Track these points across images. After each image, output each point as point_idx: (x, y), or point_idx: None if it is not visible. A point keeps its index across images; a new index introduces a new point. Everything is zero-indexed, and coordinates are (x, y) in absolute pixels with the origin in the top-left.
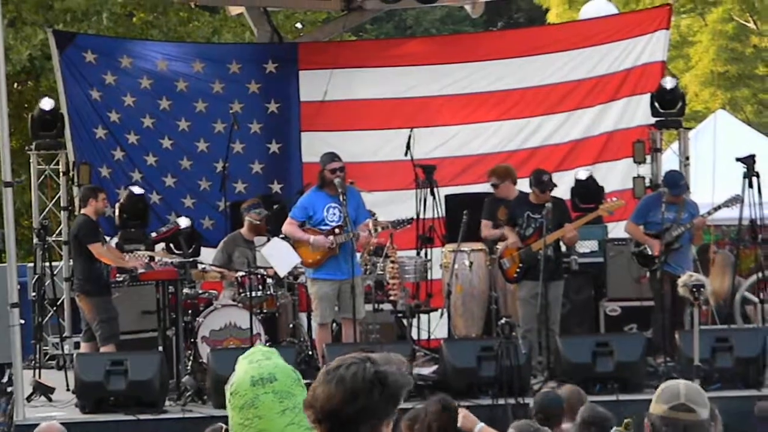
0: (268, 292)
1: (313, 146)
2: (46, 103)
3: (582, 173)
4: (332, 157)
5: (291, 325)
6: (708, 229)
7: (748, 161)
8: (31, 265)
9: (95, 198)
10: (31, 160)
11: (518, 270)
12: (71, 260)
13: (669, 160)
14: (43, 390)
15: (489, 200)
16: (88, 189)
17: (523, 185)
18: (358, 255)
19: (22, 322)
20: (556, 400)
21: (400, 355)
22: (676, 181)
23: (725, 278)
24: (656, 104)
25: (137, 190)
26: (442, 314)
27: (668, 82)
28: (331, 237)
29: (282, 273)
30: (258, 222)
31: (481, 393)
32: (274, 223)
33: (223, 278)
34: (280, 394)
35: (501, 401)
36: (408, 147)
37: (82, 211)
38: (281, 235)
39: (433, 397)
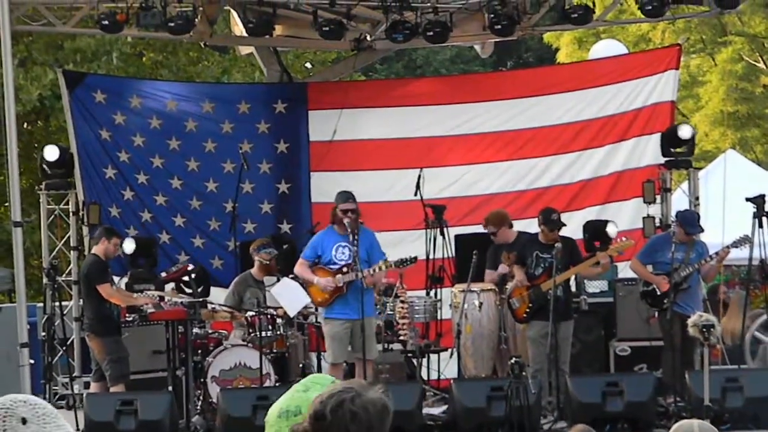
0: (278, 332)
1: (322, 186)
2: (51, 154)
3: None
4: (346, 197)
5: (301, 365)
6: (720, 268)
7: (758, 201)
8: (41, 304)
9: (108, 240)
10: (40, 200)
11: (528, 310)
12: (81, 300)
13: (679, 200)
14: None
15: (491, 249)
16: (106, 230)
17: (532, 225)
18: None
19: (32, 362)
20: None
21: (360, 380)
22: (694, 221)
23: (741, 318)
24: (666, 144)
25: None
26: (451, 354)
27: (685, 132)
28: (338, 276)
29: (292, 313)
30: (268, 262)
31: None
32: (284, 263)
33: (233, 318)
34: None
35: None
36: (417, 187)
37: (93, 250)
38: (291, 275)
39: None
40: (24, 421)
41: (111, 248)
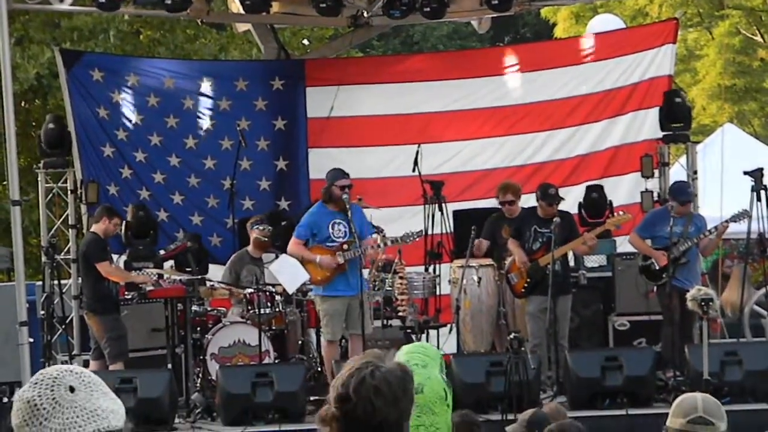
0: (277, 309)
1: (320, 163)
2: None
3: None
4: (342, 173)
5: (300, 342)
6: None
7: (756, 174)
8: (40, 283)
9: (109, 219)
10: (39, 179)
11: (526, 285)
12: (80, 278)
13: (677, 174)
14: None
15: (492, 219)
16: (106, 208)
17: (530, 200)
18: (366, 271)
19: (31, 340)
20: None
21: (375, 351)
22: (683, 189)
23: (742, 291)
24: (664, 118)
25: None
26: (450, 330)
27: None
28: (339, 253)
29: (291, 290)
30: (265, 239)
31: (490, 408)
32: (282, 240)
33: (231, 295)
34: (421, 408)
35: (510, 416)
36: (415, 163)
37: (93, 228)
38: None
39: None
40: (72, 389)
41: (111, 227)
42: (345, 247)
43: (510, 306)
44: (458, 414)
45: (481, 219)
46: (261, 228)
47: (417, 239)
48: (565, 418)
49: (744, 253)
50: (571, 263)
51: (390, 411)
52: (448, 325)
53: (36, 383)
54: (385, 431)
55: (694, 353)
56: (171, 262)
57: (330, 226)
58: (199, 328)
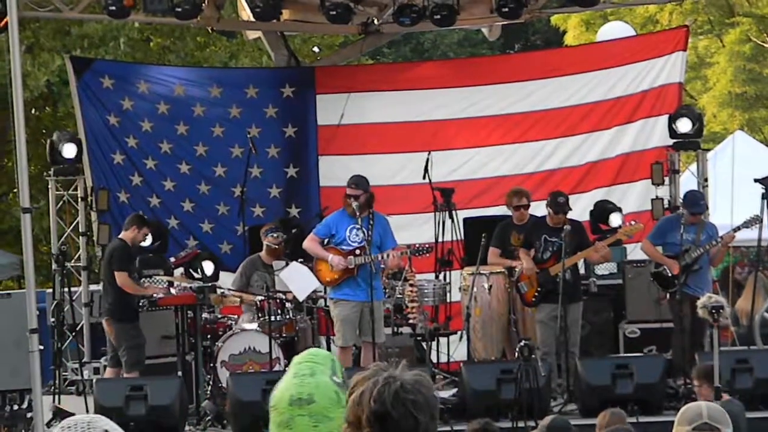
0: (288, 317)
1: (330, 170)
2: (68, 151)
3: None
4: (351, 181)
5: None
6: (728, 250)
7: (767, 182)
8: (50, 290)
9: (138, 228)
10: (49, 186)
11: (536, 294)
12: (96, 285)
13: (687, 182)
14: (63, 416)
15: (501, 226)
16: (138, 217)
17: (540, 208)
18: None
19: (42, 347)
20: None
21: (379, 363)
22: (696, 200)
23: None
24: (674, 126)
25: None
26: (461, 337)
27: (684, 125)
28: (350, 257)
29: (301, 297)
30: (276, 246)
31: (501, 416)
32: (293, 247)
33: (242, 303)
34: (316, 417)
35: (521, 424)
36: (426, 170)
37: (121, 235)
38: (300, 260)
39: (475, 420)
40: None
41: (139, 237)
42: (357, 252)
43: (520, 313)
44: (479, 422)
45: (492, 226)
46: (275, 235)
47: (427, 255)
48: (625, 422)
49: (755, 260)
50: (582, 271)
51: (430, 422)
52: (459, 333)
53: (70, 427)
54: None
55: (704, 361)
56: (181, 270)
57: (348, 230)
58: (209, 336)
